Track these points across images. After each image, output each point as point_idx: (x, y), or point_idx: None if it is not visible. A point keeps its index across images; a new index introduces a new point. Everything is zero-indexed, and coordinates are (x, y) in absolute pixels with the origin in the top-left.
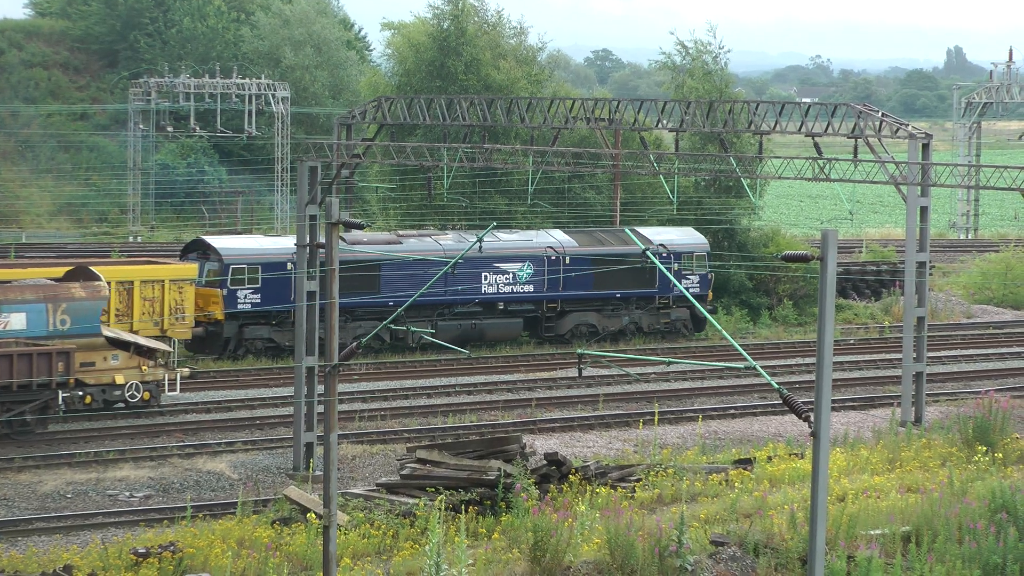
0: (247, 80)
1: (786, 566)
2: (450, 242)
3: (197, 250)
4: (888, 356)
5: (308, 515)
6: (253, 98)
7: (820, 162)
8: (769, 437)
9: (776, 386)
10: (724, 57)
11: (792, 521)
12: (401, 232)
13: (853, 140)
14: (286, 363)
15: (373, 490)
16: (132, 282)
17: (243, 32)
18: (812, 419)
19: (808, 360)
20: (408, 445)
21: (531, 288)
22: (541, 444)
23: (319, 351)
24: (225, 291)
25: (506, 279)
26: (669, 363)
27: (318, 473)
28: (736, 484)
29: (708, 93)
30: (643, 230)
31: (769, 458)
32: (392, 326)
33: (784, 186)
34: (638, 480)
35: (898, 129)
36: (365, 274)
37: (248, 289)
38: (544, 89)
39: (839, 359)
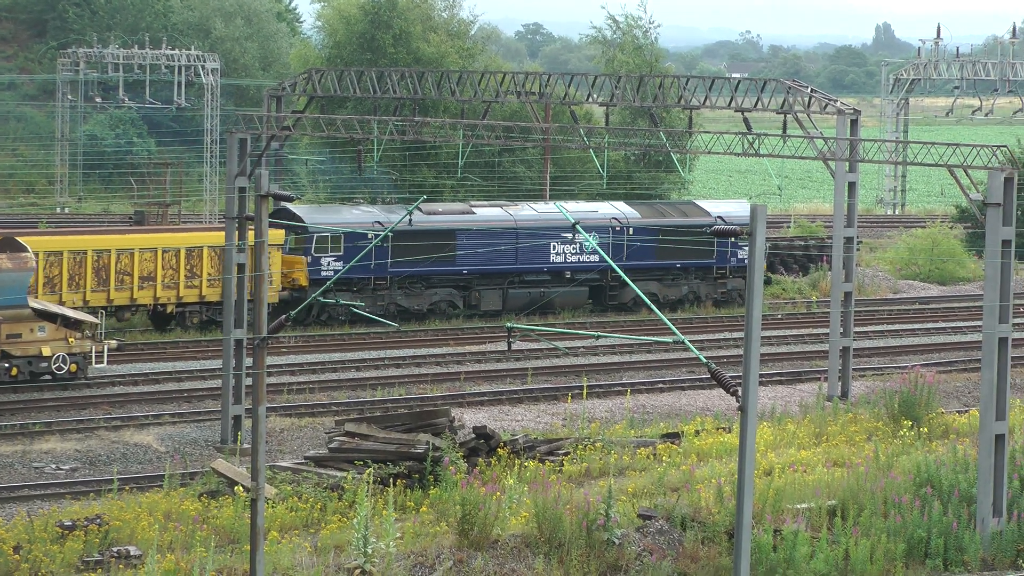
0: (177, 51)
1: (713, 540)
2: (520, 212)
3: (282, 218)
4: (815, 331)
5: (236, 488)
6: (183, 69)
7: (749, 137)
8: (697, 411)
9: (704, 360)
10: (654, 32)
11: (719, 495)
12: (473, 202)
13: (782, 116)
14: (215, 335)
15: (301, 463)
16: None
17: (173, 3)
18: (740, 393)
19: (736, 334)
20: (337, 418)
21: (596, 258)
22: (470, 418)
23: (248, 324)
24: (309, 258)
25: (573, 249)
26: (598, 337)
27: (246, 446)
28: (664, 458)
29: (638, 68)
30: (702, 203)
31: (697, 432)
32: (322, 299)
33: (713, 161)
34: (566, 454)
35: (827, 105)
36: (442, 243)
37: (331, 257)
38: (475, 63)
39: (767, 334)
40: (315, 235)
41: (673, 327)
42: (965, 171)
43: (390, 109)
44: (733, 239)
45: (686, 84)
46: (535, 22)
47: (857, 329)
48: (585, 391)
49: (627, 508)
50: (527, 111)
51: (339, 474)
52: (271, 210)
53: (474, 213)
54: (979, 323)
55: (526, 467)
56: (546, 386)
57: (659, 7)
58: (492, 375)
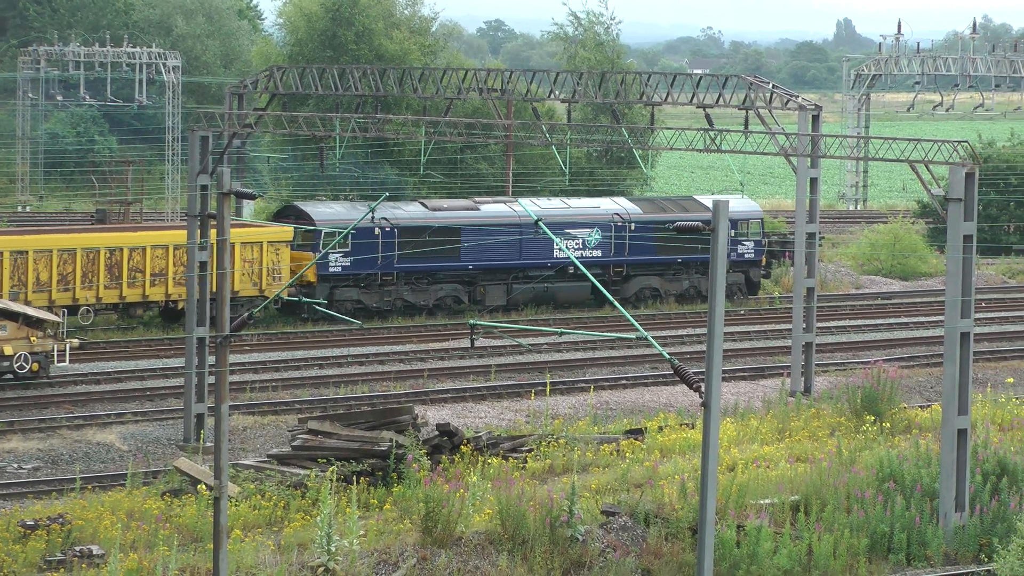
0: (138, 49)
1: (676, 535)
2: (523, 208)
3: (290, 216)
4: (778, 326)
5: (199, 487)
6: (144, 67)
7: (711, 133)
8: (660, 407)
9: (667, 356)
10: (616, 28)
11: (683, 491)
12: (478, 199)
13: (744, 111)
14: (177, 334)
15: (264, 461)
16: (233, 244)
17: (134, 0)
18: (703, 389)
19: (699, 330)
20: (300, 416)
21: (599, 253)
22: (433, 415)
23: (210, 321)
24: (318, 255)
25: (576, 244)
26: (561, 334)
27: (209, 444)
28: (627, 454)
29: (600, 64)
30: (702, 198)
31: (660, 428)
32: (284, 297)
33: (675, 157)
34: (530, 451)
35: (788, 101)
36: (447, 239)
37: (339, 253)
38: (437, 59)
39: (730, 329)
40: (323, 231)
41: (636, 323)
42: (926, 166)
43: (352, 106)
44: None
45: (648, 80)
46: (497, 19)
47: (820, 325)
48: (548, 388)
49: (591, 505)
50: (489, 108)
51: (302, 472)
52: (278, 212)
53: (479, 209)
54: (941, 318)
55: (489, 464)
56: (509, 383)
57: (620, 3)
58: (455, 372)
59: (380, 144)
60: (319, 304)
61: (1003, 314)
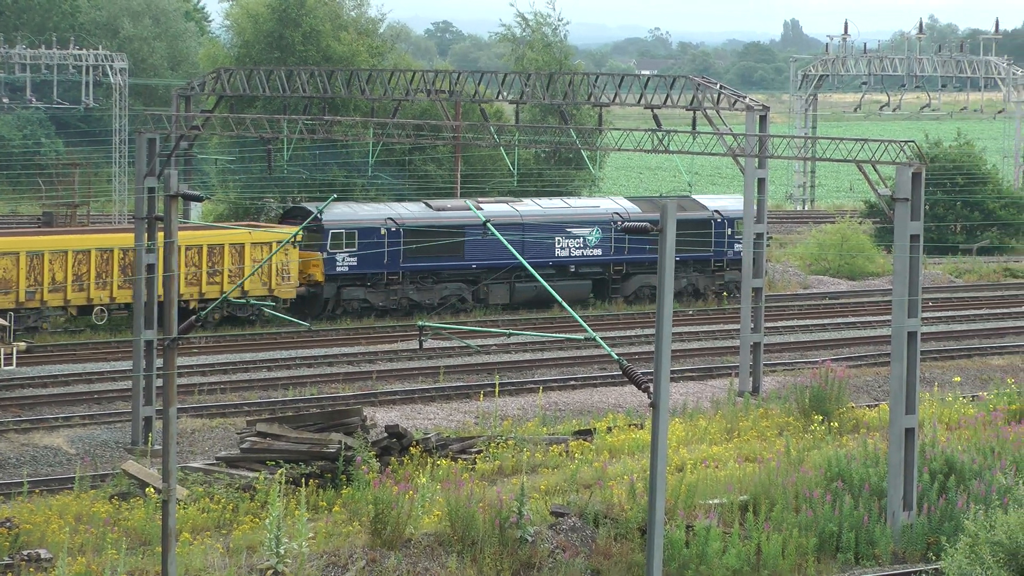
0: (84, 51)
1: (626, 536)
2: (526, 208)
3: (297, 216)
4: (726, 327)
5: (147, 489)
6: (91, 69)
7: (659, 134)
8: (609, 408)
9: (616, 357)
10: (564, 29)
11: (632, 491)
12: (480, 199)
13: (692, 112)
14: (125, 336)
15: (213, 464)
16: (243, 244)
17: (80, 2)
18: (651, 390)
19: (648, 331)
20: (248, 419)
21: (599, 252)
22: (382, 416)
23: (158, 323)
24: (325, 255)
25: (577, 243)
26: (509, 335)
27: (157, 447)
28: (576, 455)
29: (548, 65)
30: (700, 197)
31: (609, 429)
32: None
33: (624, 158)
34: (479, 452)
35: (736, 101)
36: (451, 239)
37: (346, 253)
38: (385, 61)
39: (678, 330)
40: (330, 231)
41: (584, 324)
42: (873, 166)
43: (299, 108)
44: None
45: (596, 81)
46: (444, 20)
47: (768, 325)
48: (497, 389)
49: (540, 506)
50: (437, 109)
51: (251, 474)
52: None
53: (481, 209)
54: (888, 317)
55: (439, 466)
56: (458, 384)
57: (568, 5)
58: (404, 374)
59: (328, 146)
60: (268, 307)
61: (950, 313)
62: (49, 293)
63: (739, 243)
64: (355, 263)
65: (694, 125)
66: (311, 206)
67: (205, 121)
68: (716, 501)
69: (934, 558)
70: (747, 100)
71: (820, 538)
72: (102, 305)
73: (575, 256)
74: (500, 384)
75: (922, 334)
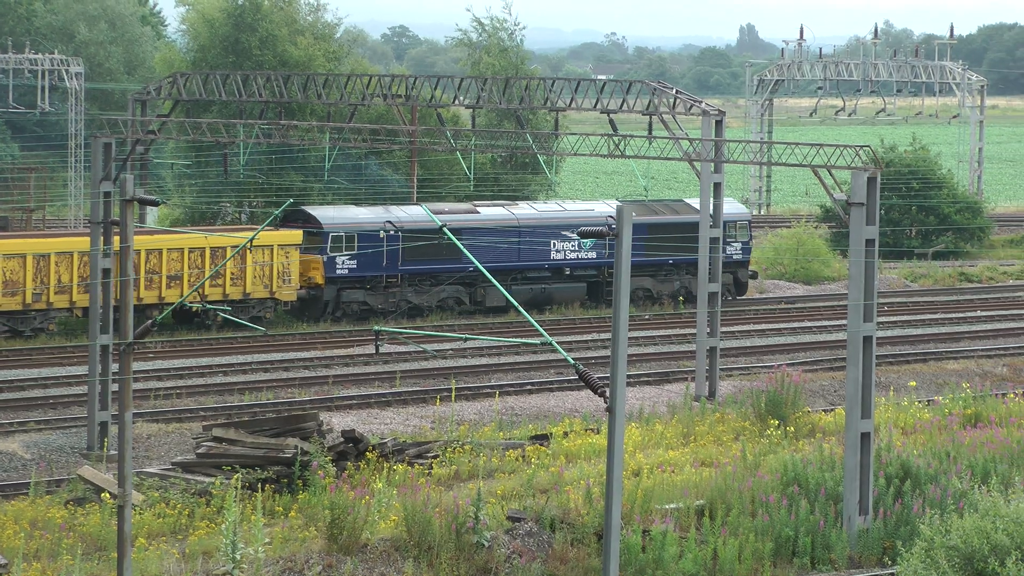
0: (40, 55)
1: (582, 541)
2: (522, 211)
3: (297, 219)
4: (682, 331)
5: (103, 495)
6: (46, 73)
7: (615, 139)
8: (565, 413)
9: (572, 362)
10: (520, 34)
11: (588, 496)
12: (477, 202)
13: (648, 117)
14: (81, 341)
15: (169, 469)
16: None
17: (36, 7)
18: (608, 394)
19: (604, 335)
20: (204, 423)
21: (593, 255)
22: (338, 421)
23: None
24: (325, 257)
25: (572, 246)
26: (466, 339)
27: (112, 452)
28: (533, 460)
29: (504, 70)
30: (692, 201)
31: (565, 434)
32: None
33: (580, 162)
34: (435, 457)
35: (692, 106)
36: (449, 241)
37: (346, 256)
38: (341, 65)
39: (634, 334)
40: (330, 234)
41: (540, 328)
42: (829, 171)
43: (256, 112)
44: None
45: (552, 86)
46: (401, 25)
47: (724, 329)
48: (454, 393)
49: (496, 510)
50: (394, 114)
51: (207, 480)
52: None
53: (478, 212)
54: (844, 322)
55: (395, 470)
56: (415, 389)
57: (524, 9)
58: (360, 378)
59: (284, 150)
60: (222, 310)
61: (905, 318)
62: (56, 295)
63: (731, 245)
64: (355, 266)
65: (650, 130)
66: (313, 209)
67: (161, 126)
68: (672, 506)
69: (890, 563)
70: (703, 105)
71: (776, 543)
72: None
73: (570, 259)
74: (457, 389)
75: (877, 338)
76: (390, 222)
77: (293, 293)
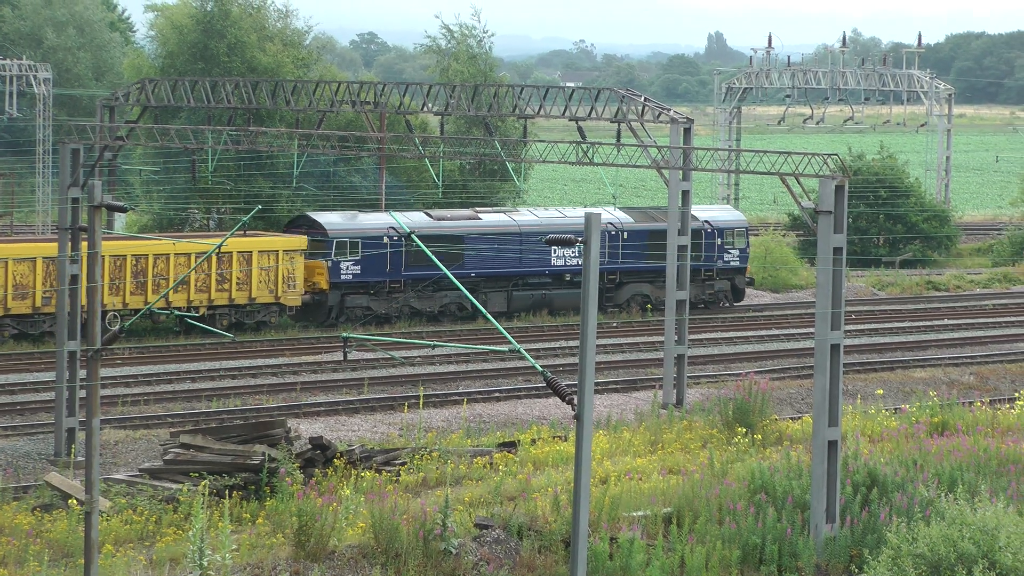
0: (8, 61)
1: (549, 548)
2: (523, 218)
3: (302, 225)
4: (650, 339)
5: (70, 501)
6: (14, 79)
7: (584, 146)
8: (533, 420)
9: (540, 369)
10: (489, 41)
11: (556, 503)
12: (479, 209)
13: (616, 124)
14: (48, 347)
15: (136, 476)
16: (250, 252)
17: (4, 12)
18: (576, 402)
19: (572, 343)
20: (172, 430)
21: None
22: (306, 428)
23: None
24: (329, 263)
25: (572, 252)
26: (434, 346)
27: (80, 459)
28: (500, 467)
29: (473, 77)
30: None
31: (533, 441)
32: (156, 309)
33: (548, 170)
34: (403, 464)
35: (660, 114)
36: (451, 247)
37: (350, 261)
38: (310, 72)
39: (602, 342)
40: (335, 240)
41: (508, 336)
42: (797, 179)
43: (224, 119)
44: (574, 246)
45: (521, 93)
46: (370, 32)
47: (691, 337)
48: (422, 400)
49: (464, 518)
50: (362, 121)
51: (174, 486)
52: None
53: (480, 219)
54: (811, 330)
55: (363, 477)
56: (383, 396)
57: (493, 16)
58: (328, 385)
59: (253, 157)
60: (191, 317)
61: (873, 326)
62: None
63: (729, 252)
64: (359, 271)
65: (619, 137)
66: (317, 215)
67: (129, 132)
68: (640, 513)
69: (857, 571)
70: (671, 112)
71: (744, 550)
72: (114, 311)
73: (570, 265)
74: (425, 396)
75: (845, 346)
76: (393, 228)
77: (298, 298)
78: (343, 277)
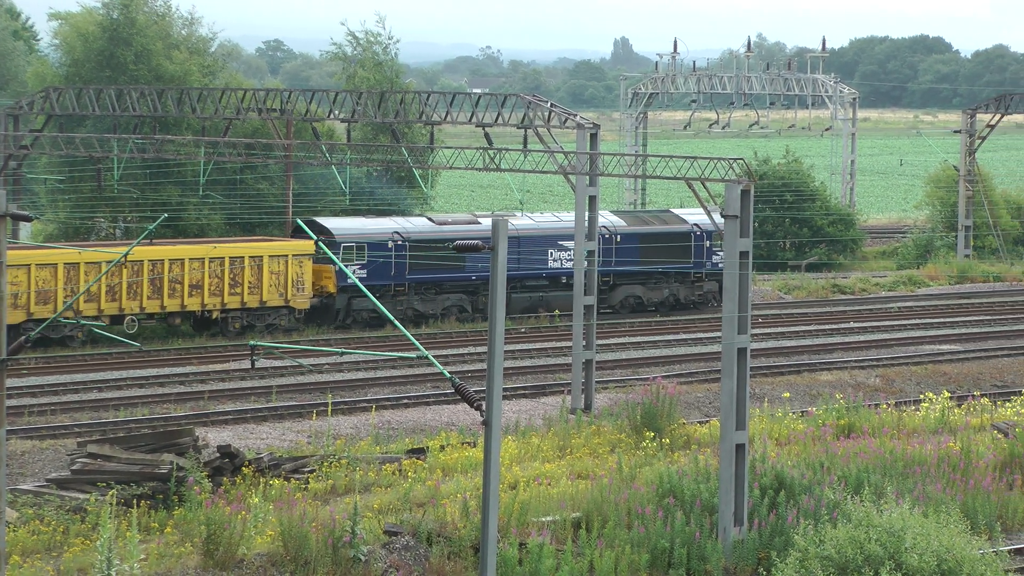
0: None
1: (459, 554)
2: (520, 222)
3: (311, 230)
4: (558, 344)
5: None
6: None
7: (491, 152)
8: (442, 426)
9: (448, 375)
10: (395, 47)
11: (465, 509)
12: (477, 213)
13: (523, 130)
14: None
15: (43, 486)
16: (262, 257)
17: None
18: (484, 407)
19: (481, 349)
20: (79, 440)
21: (586, 264)
22: (214, 436)
23: None
24: (337, 267)
25: (567, 255)
26: (342, 354)
27: None
28: (409, 474)
29: (379, 84)
30: (680, 212)
31: (442, 447)
32: (63, 320)
33: (456, 176)
34: (312, 471)
35: (566, 119)
36: (452, 252)
37: (356, 265)
38: (216, 80)
39: (510, 347)
40: (342, 244)
41: (417, 342)
42: (703, 184)
43: (130, 127)
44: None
45: (427, 100)
46: (276, 39)
47: (599, 342)
48: (330, 408)
49: (373, 524)
50: (269, 128)
51: (82, 496)
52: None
53: (479, 223)
54: (719, 334)
55: (272, 485)
56: (291, 403)
57: (399, 23)
58: (236, 393)
59: (160, 164)
60: (96, 326)
61: (779, 329)
62: (84, 303)
63: (717, 255)
64: (364, 275)
65: (525, 143)
66: (324, 220)
67: (34, 141)
68: (549, 518)
69: (765, 573)
70: (578, 118)
71: (652, 554)
72: (132, 315)
73: (566, 268)
74: (333, 403)
75: (752, 350)
76: (398, 232)
77: (307, 301)
78: (350, 281)
